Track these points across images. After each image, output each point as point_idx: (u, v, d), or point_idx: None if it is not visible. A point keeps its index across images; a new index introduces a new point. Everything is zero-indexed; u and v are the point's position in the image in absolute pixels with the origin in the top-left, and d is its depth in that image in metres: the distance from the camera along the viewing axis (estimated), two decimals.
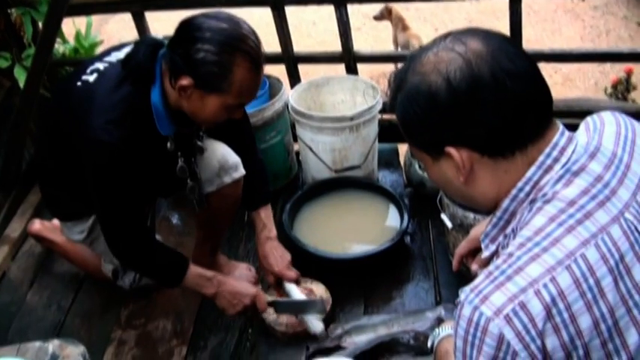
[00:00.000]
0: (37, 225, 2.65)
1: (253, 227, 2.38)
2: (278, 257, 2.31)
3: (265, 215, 2.35)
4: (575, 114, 2.87)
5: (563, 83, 5.24)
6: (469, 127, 1.06)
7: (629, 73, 4.35)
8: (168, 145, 1.98)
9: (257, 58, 1.80)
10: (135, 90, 1.86)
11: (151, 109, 1.88)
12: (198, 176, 2.20)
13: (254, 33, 1.83)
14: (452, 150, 1.09)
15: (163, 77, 1.87)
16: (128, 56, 1.91)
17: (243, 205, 2.40)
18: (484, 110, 1.04)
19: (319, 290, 2.34)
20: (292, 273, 2.29)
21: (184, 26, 1.82)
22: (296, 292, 2.25)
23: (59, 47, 3.69)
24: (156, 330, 2.38)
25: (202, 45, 1.75)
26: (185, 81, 1.78)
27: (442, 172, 1.16)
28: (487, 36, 1.09)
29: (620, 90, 4.42)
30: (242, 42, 1.77)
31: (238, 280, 2.26)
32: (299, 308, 2.24)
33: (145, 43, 1.92)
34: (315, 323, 2.17)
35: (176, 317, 2.41)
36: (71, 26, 4.76)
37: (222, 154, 2.26)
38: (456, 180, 1.14)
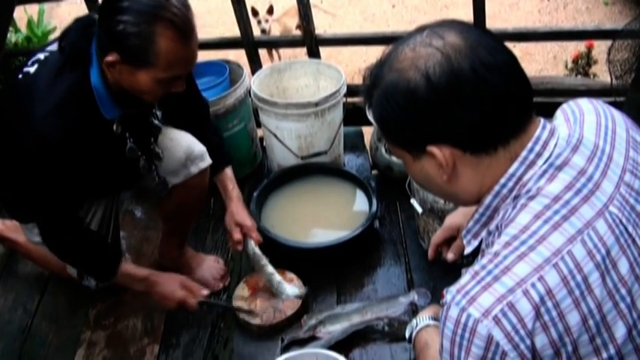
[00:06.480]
0: None
1: (222, 188, 2.33)
2: (248, 215, 2.28)
3: (231, 174, 2.33)
4: (540, 92, 2.89)
5: (523, 57, 5.25)
6: (451, 124, 1.04)
7: (589, 48, 4.36)
8: (114, 127, 1.89)
9: (182, 25, 1.66)
10: (74, 75, 1.76)
11: (93, 93, 1.78)
12: (161, 155, 2.13)
13: None
14: (434, 149, 1.06)
15: (99, 56, 1.76)
16: (61, 39, 1.80)
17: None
18: (465, 106, 1.02)
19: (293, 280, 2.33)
20: (259, 236, 2.26)
21: None
22: (259, 252, 2.27)
23: (11, 36, 3.57)
24: (126, 329, 2.33)
25: (122, 16, 1.62)
26: (111, 57, 1.67)
27: (423, 170, 1.13)
28: (465, 29, 1.06)
29: (581, 64, 4.43)
30: (163, 9, 1.63)
31: (172, 282, 2.14)
32: (227, 310, 2.32)
33: (79, 22, 1.80)
34: (290, 290, 2.26)
35: (146, 315, 2.36)
36: (22, 13, 4.61)
37: (187, 144, 2.19)
38: (439, 178, 1.12)
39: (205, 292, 2.17)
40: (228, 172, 2.32)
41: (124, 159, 2.00)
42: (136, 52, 1.66)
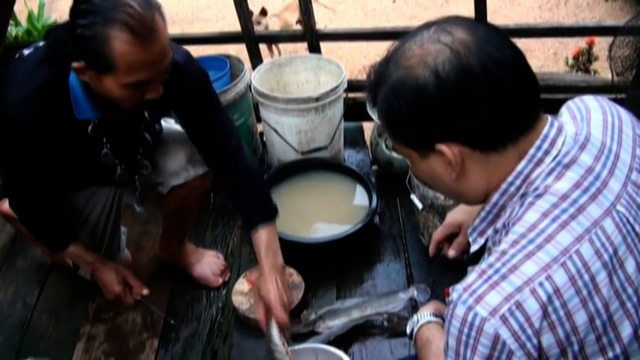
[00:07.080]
0: (6, 204, 2.54)
1: (256, 253, 2.03)
2: (278, 289, 1.95)
3: (269, 236, 2.02)
4: (541, 89, 2.87)
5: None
6: (460, 122, 1.02)
7: (590, 44, 4.35)
8: (89, 129, 1.85)
9: (138, 26, 1.53)
10: (52, 70, 1.72)
11: (68, 91, 1.74)
12: (148, 167, 2.11)
13: None
14: (443, 147, 1.05)
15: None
16: (45, 37, 1.79)
17: (243, 225, 2.14)
18: (475, 103, 1.00)
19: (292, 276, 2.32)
20: (284, 315, 1.92)
21: None
22: (276, 338, 1.90)
23: (11, 30, 3.55)
24: (125, 323, 2.33)
25: (79, 19, 1.54)
26: (77, 63, 1.60)
27: (431, 168, 1.12)
28: (472, 25, 1.05)
29: (582, 61, 4.42)
30: (117, 10, 1.51)
31: (113, 275, 2.09)
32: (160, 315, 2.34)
33: (67, 23, 1.72)
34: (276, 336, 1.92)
35: (145, 309, 2.35)
36: (23, 7, 4.59)
37: (190, 147, 2.16)
38: (446, 176, 1.10)
39: (145, 291, 2.11)
40: (264, 235, 2.01)
41: (99, 162, 1.98)
42: (95, 57, 1.57)
